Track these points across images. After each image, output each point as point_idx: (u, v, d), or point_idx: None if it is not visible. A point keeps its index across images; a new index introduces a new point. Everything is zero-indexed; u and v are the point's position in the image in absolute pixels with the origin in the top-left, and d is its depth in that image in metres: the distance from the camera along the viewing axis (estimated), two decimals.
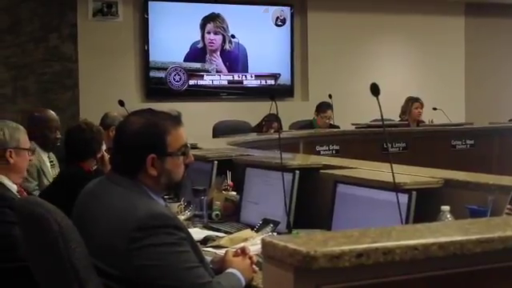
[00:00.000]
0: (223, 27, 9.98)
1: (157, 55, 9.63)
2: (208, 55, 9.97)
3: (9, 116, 5.25)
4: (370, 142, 7.26)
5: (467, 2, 11.37)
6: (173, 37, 9.70)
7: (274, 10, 10.31)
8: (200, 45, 9.92)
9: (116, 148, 2.57)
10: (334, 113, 8.54)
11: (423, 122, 8.81)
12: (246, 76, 10.16)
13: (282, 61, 10.33)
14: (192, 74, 9.84)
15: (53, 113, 5.51)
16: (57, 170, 5.24)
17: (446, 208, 2.66)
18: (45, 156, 5.22)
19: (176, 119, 2.60)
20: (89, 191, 2.57)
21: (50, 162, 5.31)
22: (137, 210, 2.32)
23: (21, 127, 3.68)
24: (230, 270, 2.61)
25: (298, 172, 3.68)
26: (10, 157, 3.53)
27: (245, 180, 4.07)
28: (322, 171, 3.60)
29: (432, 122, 8.82)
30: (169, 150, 2.51)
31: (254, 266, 2.69)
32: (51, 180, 4.91)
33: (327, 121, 8.45)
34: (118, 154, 2.55)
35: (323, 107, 8.50)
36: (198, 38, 9.90)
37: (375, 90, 2.51)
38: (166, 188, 2.57)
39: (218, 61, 10.01)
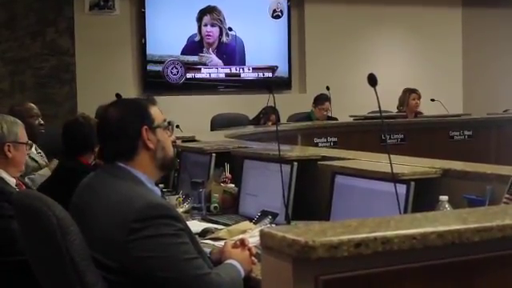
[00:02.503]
0: (220, 19, 9.97)
1: (154, 48, 9.61)
2: (205, 48, 9.95)
3: (6, 111, 5.26)
4: (368, 133, 7.25)
5: None
6: (170, 30, 9.69)
7: (271, 3, 10.30)
8: (197, 38, 9.91)
9: (105, 139, 2.58)
10: (331, 105, 8.53)
11: (421, 113, 8.80)
12: (243, 69, 10.15)
13: (280, 53, 10.31)
14: (189, 67, 9.83)
15: (31, 103, 5.72)
16: (45, 160, 5.27)
17: (444, 198, 2.66)
18: (32, 147, 5.25)
19: (149, 99, 2.70)
20: (85, 185, 2.58)
21: (38, 153, 5.34)
22: (134, 201, 2.33)
23: (19, 121, 3.70)
24: (229, 261, 2.62)
25: (296, 164, 3.68)
26: (9, 151, 3.53)
27: (243, 172, 4.07)
28: (320, 163, 3.60)
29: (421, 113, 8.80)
30: (156, 122, 2.56)
31: (253, 258, 2.69)
32: (39, 171, 4.95)
33: (325, 113, 8.44)
34: (109, 144, 2.56)
35: (321, 99, 8.49)
36: (195, 31, 9.89)
37: (372, 80, 2.51)
38: (162, 166, 2.58)
39: (215, 54, 9.99)
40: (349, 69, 10.38)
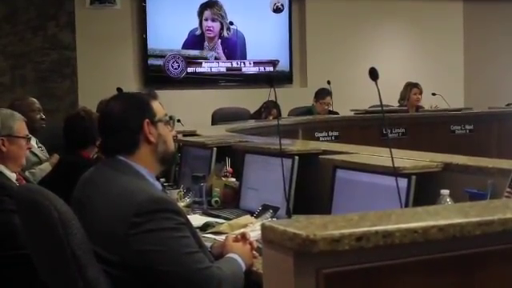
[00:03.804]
0: (221, 14, 9.95)
1: (155, 43, 9.61)
2: (206, 42, 9.95)
3: (7, 105, 5.26)
4: (370, 127, 7.25)
5: None
6: (171, 24, 9.68)
7: None
8: (198, 32, 9.90)
9: (106, 133, 2.58)
10: (332, 99, 8.53)
11: (422, 107, 8.79)
12: (244, 63, 10.14)
13: (281, 47, 10.30)
14: (190, 61, 9.82)
15: (32, 98, 5.74)
16: (46, 155, 5.28)
17: (445, 192, 2.66)
18: (33, 141, 5.26)
19: (150, 93, 2.70)
20: (87, 178, 2.57)
21: (39, 147, 5.35)
22: (136, 195, 2.32)
23: (17, 115, 3.66)
24: (230, 255, 2.62)
25: (297, 158, 3.67)
26: (3, 145, 3.51)
27: (244, 166, 4.07)
28: (321, 156, 3.60)
29: (436, 107, 8.77)
30: (157, 116, 2.56)
31: (254, 252, 2.69)
32: (41, 165, 4.96)
33: (326, 107, 8.43)
34: (110, 137, 2.55)
35: (322, 94, 8.48)
36: (196, 25, 9.88)
37: (374, 74, 2.52)
38: (162, 160, 2.58)
39: (216, 48, 9.98)
40: (350, 63, 10.37)
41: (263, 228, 1.55)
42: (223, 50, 10.01)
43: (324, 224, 1.52)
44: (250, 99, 8.77)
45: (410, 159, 3.14)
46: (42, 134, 5.57)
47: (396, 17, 10.96)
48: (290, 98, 8.85)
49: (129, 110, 2.54)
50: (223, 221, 3.55)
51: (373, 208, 2.90)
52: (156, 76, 9.61)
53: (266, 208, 3.55)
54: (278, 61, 10.29)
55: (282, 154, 3.58)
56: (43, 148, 5.43)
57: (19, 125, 3.61)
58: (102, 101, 5.38)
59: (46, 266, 2.47)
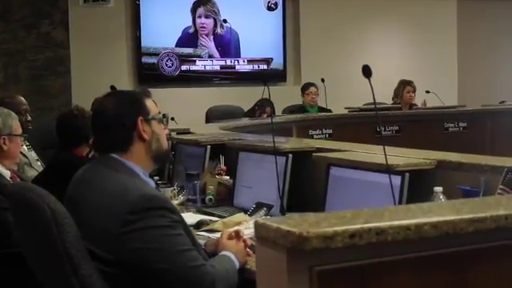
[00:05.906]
0: (214, 11, 9.94)
1: (149, 41, 9.59)
2: (200, 40, 9.94)
3: None
4: (363, 125, 7.25)
5: None
6: (164, 22, 9.66)
7: None
8: (191, 30, 9.89)
9: (100, 129, 2.58)
10: (326, 97, 8.55)
11: (416, 105, 8.80)
12: (238, 61, 10.13)
13: (275, 45, 10.30)
14: (184, 59, 9.81)
15: (21, 97, 5.63)
16: (33, 153, 5.26)
17: (438, 189, 2.66)
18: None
19: (143, 91, 2.71)
20: (79, 177, 2.57)
21: (27, 145, 5.33)
22: (129, 193, 2.32)
23: (13, 113, 3.69)
24: (224, 253, 2.62)
25: (290, 155, 3.67)
26: (4, 144, 3.53)
27: (238, 164, 4.07)
28: (315, 154, 3.60)
29: (425, 104, 8.80)
30: (151, 113, 2.56)
31: (247, 250, 2.69)
32: (32, 163, 4.94)
33: (314, 97, 8.53)
34: (104, 135, 2.55)
35: (306, 86, 8.71)
36: (190, 23, 9.86)
37: (367, 71, 2.52)
38: (156, 158, 2.59)
39: (210, 46, 9.97)
40: (344, 61, 10.36)
41: (256, 225, 1.55)
42: (217, 47, 10.00)
43: (317, 221, 1.52)
44: (244, 97, 8.77)
45: (403, 157, 3.15)
46: (35, 132, 5.54)
47: (390, 15, 10.96)
48: (284, 96, 8.84)
49: (122, 108, 2.54)
50: (217, 219, 3.55)
51: (366, 205, 2.89)
52: (150, 74, 9.60)
53: (259, 206, 3.56)
54: (272, 59, 10.28)
55: (275, 151, 3.58)
56: (31, 146, 5.39)
57: (16, 123, 3.65)
58: (96, 99, 5.33)
59: (39, 264, 2.46)
